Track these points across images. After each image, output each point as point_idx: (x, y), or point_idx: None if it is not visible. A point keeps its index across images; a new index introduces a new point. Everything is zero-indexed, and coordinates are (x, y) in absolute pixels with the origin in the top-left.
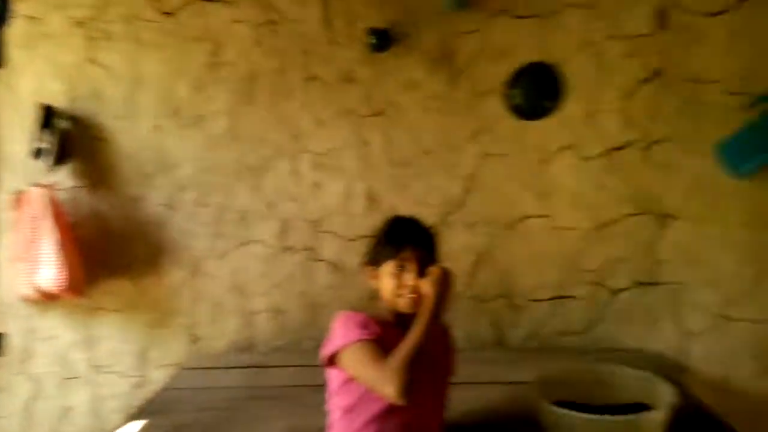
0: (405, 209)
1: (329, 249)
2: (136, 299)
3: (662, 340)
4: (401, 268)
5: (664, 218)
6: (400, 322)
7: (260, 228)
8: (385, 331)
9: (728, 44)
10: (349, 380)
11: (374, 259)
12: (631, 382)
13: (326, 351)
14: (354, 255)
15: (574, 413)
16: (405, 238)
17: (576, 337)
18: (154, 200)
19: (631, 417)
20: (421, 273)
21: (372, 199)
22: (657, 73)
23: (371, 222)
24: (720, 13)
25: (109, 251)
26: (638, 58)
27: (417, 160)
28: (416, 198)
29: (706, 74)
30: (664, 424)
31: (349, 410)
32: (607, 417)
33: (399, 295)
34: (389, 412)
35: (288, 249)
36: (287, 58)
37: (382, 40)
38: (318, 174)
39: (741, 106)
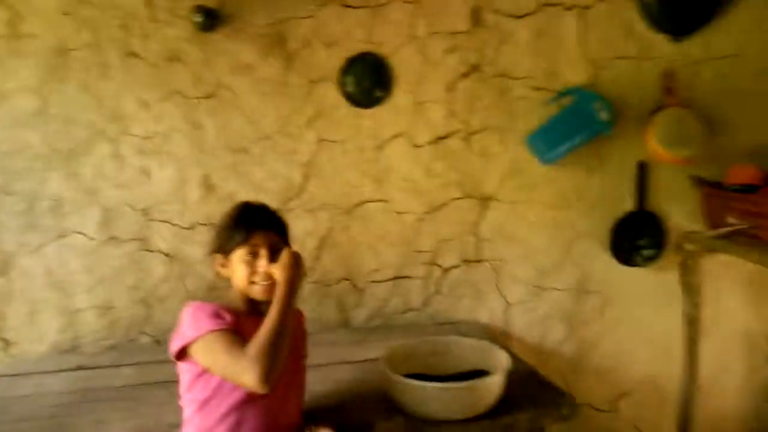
0: (244, 196)
1: (162, 239)
2: None
3: (488, 312)
4: (253, 255)
5: (485, 201)
6: (254, 310)
7: (79, 218)
8: (238, 321)
9: (532, 44)
10: (203, 373)
11: (223, 247)
12: (468, 351)
13: (176, 344)
14: (191, 244)
15: (423, 383)
16: (255, 223)
17: (415, 314)
18: None
19: (473, 382)
20: (273, 258)
21: (208, 186)
22: (474, 68)
23: (208, 209)
24: (525, 15)
25: None
26: (457, 53)
27: (254, 145)
28: (255, 184)
29: (515, 71)
30: (501, 385)
31: (204, 403)
32: (452, 384)
33: (252, 282)
34: (248, 401)
35: (113, 240)
36: (102, 33)
37: (210, 18)
38: (145, 159)
39: (544, 100)
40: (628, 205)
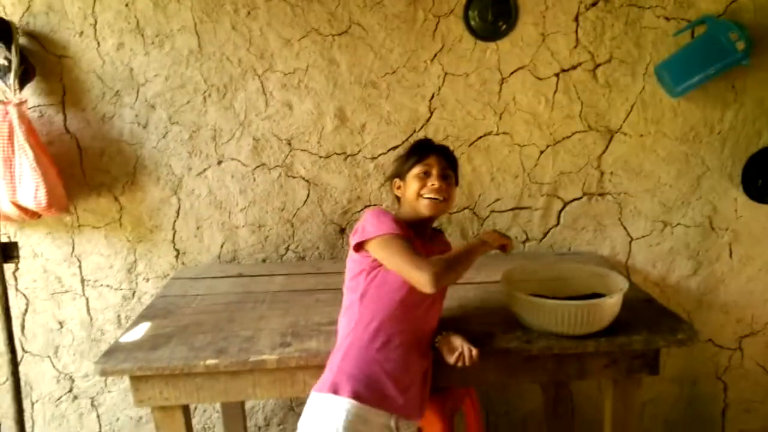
0: (374, 128)
1: (303, 166)
2: (119, 216)
3: (609, 245)
4: (426, 174)
5: (609, 134)
6: (419, 230)
7: (234, 146)
8: (411, 232)
9: None
10: (373, 268)
11: (400, 170)
12: (587, 276)
13: (359, 237)
14: (327, 171)
15: (538, 299)
16: (430, 149)
17: (534, 243)
18: (126, 118)
19: (588, 301)
20: (443, 179)
21: (342, 118)
22: None
23: (341, 139)
24: None
25: (85, 170)
26: None
27: (382, 80)
28: (383, 117)
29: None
30: (617, 305)
31: (365, 294)
32: (567, 301)
33: (421, 195)
34: (402, 302)
35: (263, 166)
36: None
37: None
38: (287, 93)
39: (675, 30)
40: (765, 139)
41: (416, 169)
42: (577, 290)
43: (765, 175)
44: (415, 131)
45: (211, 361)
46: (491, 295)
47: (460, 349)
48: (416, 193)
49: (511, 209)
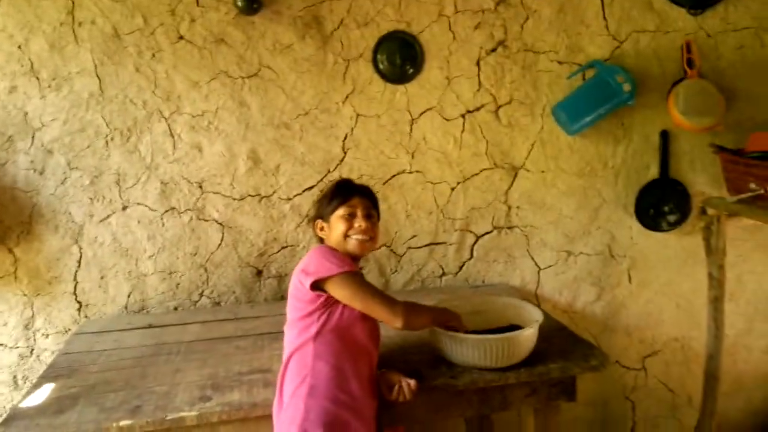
0: (288, 168)
1: (216, 209)
2: (13, 269)
3: (520, 275)
4: (351, 215)
5: (514, 171)
6: None
7: (140, 190)
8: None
9: (555, 20)
10: (327, 305)
11: (323, 212)
12: (503, 308)
13: (315, 275)
14: (241, 214)
15: (463, 335)
16: (352, 190)
17: (450, 277)
18: (20, 164)
19: (509, 334)
20: (368, 218)
21: (255, 160)
22: (500, 44)
23: (255, 181)
24: None
25: None
26: (484, 29)
27: (295, 121)
28: (297, 158)
29: (539, 45)
30: (534, 337)
31: (320, 331)
32: (490, 335)
33: (348, 236)
34: (354, 339)
35: (172, 210)
36: (153, 18)
37: (251, 2)
38: (197, 136)
39: (567, 73)
40: (652, 172)
41: (341, 211)
42: (494, 322)
43: (655, 205)
44: (329, 171)
45: (125, 422)
46: (412, 332)
47: (397, 384)
48: (343, 234)
49: (427, 245)
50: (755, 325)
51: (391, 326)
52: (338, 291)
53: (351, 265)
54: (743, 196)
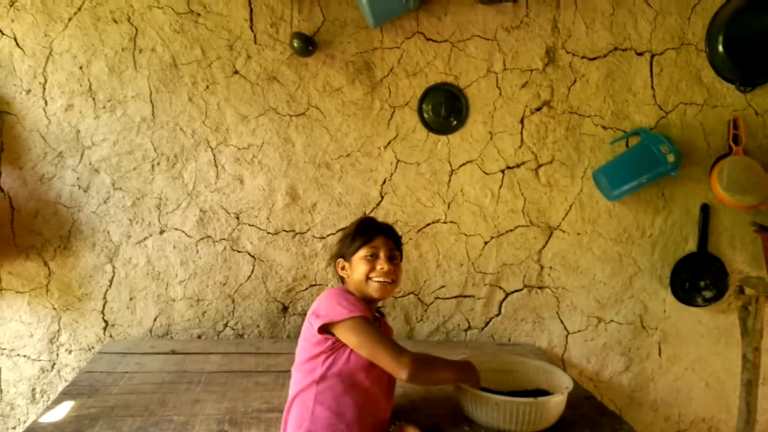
0: (325, 207)
1: (249, 241)
2: (46, 281)
3: (547, 337)
4: (373, 256)
5: (549, 230)
6: (369, 309)
7: (180, 216)
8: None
9: (602, 85)
10: (334, 349)
11: (346, 251)
12: (532, 371)
13: (326, 318)
14: (274, 248)
15: (490, 394)
16: (376, 230)
17: (476, 332)
18: (66, 180)
19: (538, 399)
20: (390, 260)
21: (293, 196)
22: (546, 104)
23: (291, 217)
24: (596, 57)
25: (15, 230)
26: (531, 89)
27: (336, 162)
28: (335, 197)
29: (584, 109)
30: (563, 404)
31: (324, 375)
32: (518, 398)
33: (370, 278)
34: (361, 384)
35: (207, 238)
36: (211, 51)
37: (307, 44)
38: (240, 168)
39: (611, 139)
40: (690, 245)
41: (363, 251)
42: (521, 385)
43: (691, 279)
44: (365, 213)
45: None
46: (437, 386)
47: None
48: (365, 275)
49: (455, 297)
50: None
51: (396, 377)
52: (346, 336)
53: (363, 311)
54: None
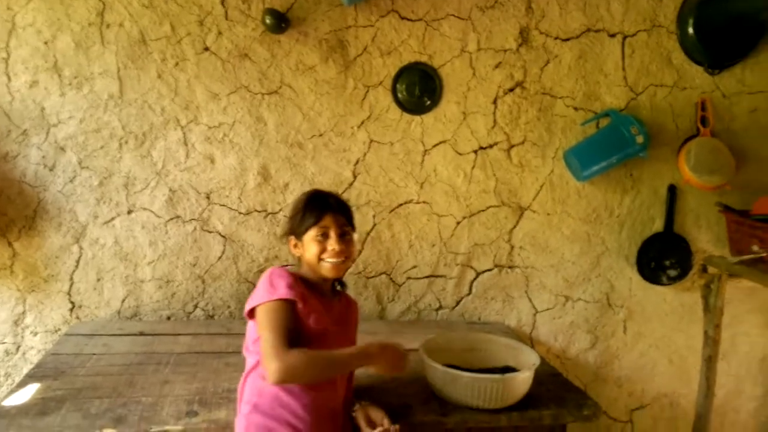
0: (297, 187)
1: (220, 221)
2: (10, 262)
3: (516, 316)
4: (324, 236)
5: (520, 210)
6: (321, 288)
7: (148, 196)
8: (308, 293)
9: (575, 66)
10: None
11: (296, 230)
12: (500, 349)
13: (250, 304)
14: (246, 228)
15: (459, 372)
16: (325, 207)
17: (447, 311)
18: (31, 159)
19: (505, 375)
20: (341, 237)
21: (265, 176)
22: (519, 85)
23: (263, 197)
24: (569, 39)
25: None
26: (504, 69)
27: (309, 141)
28: (307, 177)
29: (557, 89)
30: (530, 381)
31: None
32: (486, 375)
33: (322, 259)
34: None
35: (177, 219)
36: (180, 27)
37: (279, 21)
38: (210, 147)
39: (582, 120)
40: (657, 225)
41: (313, 232)
42: (490, 362)
43: (657, 258)
44: (338, 194)
45: (108, 431)
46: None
47: (380, 425)
48: (317, 257)
49: (427, 276)
50: (745, 387)
51: (266, 374)
52: (258, 320)
53: (287, 294)
54: (745, 257)
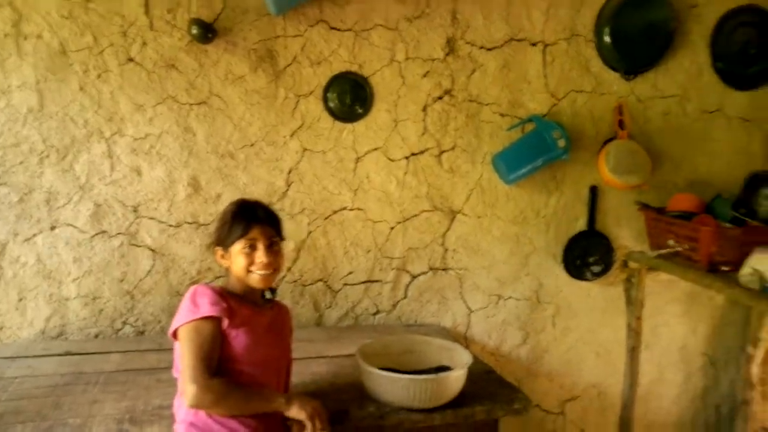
0: (229, 198)
1: (149, 235)
2: None
3: (452, 317)
4: (251, 247)
5: (452, 214)
6: (251, 298)
7: (71, 211)
8: (236, 305)
9: (499, 74)
10: None
11: (223, 241)
12: (434, 350)
13: (173, 325)
14: (177, 241)
15: (393, 374)
16: (252, 218)
17: (383, 316)
18: None
19: (437, 375)
20: (270, 249)
21: (195, 187)
22: (447, 92)
23: (194, 209)
24: (493, 48)
25: None
26: (432, 78)
27: (240, 151)
28: (239, 188)
29: (483, 97)
30: (462, 379)
31: None
32: (419, 376)
33: (250, 271)
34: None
35: (103, 233)
36: (103, 38)
37: (206, 31)
38: (137, 159)
39: (508, 126)
40: (580, 224)
41: (240, 244)
42: (425, 363)
43: (582, 255)
44: (272, 203)
45: None
46: (344, 369)
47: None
48: (244, 269)
49: (363, 282)
50: (666, 375)
51: (184, 398)
52: (180, 340)
53: (209, 311)
54: (663, 251)
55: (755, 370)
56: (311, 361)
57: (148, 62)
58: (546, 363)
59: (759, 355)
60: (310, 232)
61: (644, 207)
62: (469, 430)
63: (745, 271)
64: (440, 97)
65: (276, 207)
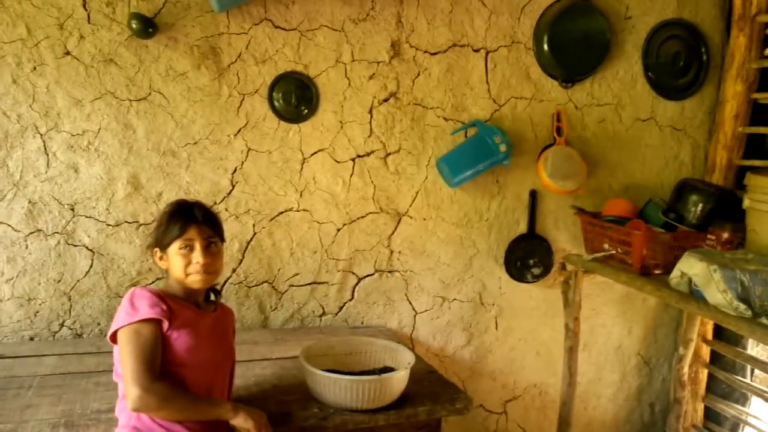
0: (170, 197)
1: (87, 234)
2: None
3: (397, 318)
4: (188, 248)
5: (398, 216)
6: (190, 298)
7: (4, 209)
8: (177, 307)
9: (443, 79)
10: None
11: (160, 242)
12: (379, 351)
13: (111, 328)
14: (115, 241)
15: (335, 375)
16: (189, 219)
17: (330, 317)
18: None
19: (380, 376)
20: (207, 250)
21: (135, 185)
22: (392, 95)
23: (134, 208)
24: (437, 53)
25: None
26: (378, 80)
27: (182, 149)
28: (182, 186)
29: (428, 101)
30: (405, 380)
31: None
32: (361, 377)
33: (188, 273)
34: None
35: (38, 232)
36: (38, 30)
37: (147, 26)
38: (74, 155)
39: (451, 129)
40: (521, 227)
41: (177, 244)
42: (370, 364)
43: (522, 258)
44: (216, 203)
45: None
46: (288, 371)
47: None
48: (182, 270)
49: (309, 284)
50: (604, 374)
51: (127, 401)
52: (120, 345)
53: (149, 313)
54: (598, 255)
55: (686, 369)
56: (255, 363)
57: (86, 56)
58: (489, 363)
59: (689, 355)
60: (255, 233)
61: (580, 211)
62: (412, 430)
63: (675, 275)
64: (386, 100)
65: (220, 207)
